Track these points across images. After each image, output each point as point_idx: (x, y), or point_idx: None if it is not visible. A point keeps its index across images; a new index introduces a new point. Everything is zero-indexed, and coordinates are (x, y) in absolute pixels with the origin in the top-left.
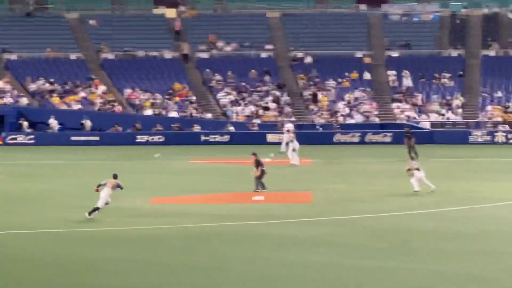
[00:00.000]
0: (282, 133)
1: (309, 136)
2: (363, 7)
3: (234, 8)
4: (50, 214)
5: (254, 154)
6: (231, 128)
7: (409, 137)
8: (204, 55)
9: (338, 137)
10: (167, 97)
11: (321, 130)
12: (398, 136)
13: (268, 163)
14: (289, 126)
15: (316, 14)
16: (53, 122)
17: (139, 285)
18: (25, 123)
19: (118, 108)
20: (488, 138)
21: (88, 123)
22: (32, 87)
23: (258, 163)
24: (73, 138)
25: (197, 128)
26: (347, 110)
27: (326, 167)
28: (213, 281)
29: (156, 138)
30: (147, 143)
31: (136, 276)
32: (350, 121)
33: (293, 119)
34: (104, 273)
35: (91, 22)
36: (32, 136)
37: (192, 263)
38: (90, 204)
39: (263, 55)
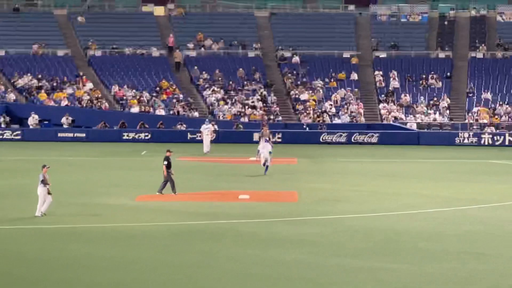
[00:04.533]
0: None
1: (296, 136)
2: (351, 7)
3: (222, 7)
4: (33, 209)
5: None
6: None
7: None
8: (192, 53)
9: (325, 136)
10: (154, 94)
11: (308, 129)
12: (384, 136)
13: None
14: (210, 126)
15: (304, 13)
16: (31, 119)
17: (122, 282)
18: (3, 119)
19: (105, 105)
20: (475, 139)
21: (67, 120)
22: (20, 83)
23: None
24: (60, 134)
25: (182, 127)
26: (334, 110)
27: (312, 166)
28: (196, 278)
29: (142, 135)
30: (133, 140)
31: (119, 273)
32: (337, 121)
33: (279, 118)
34: (87, 269)
35: (79, 19)
36: (18, 132)
37: (175, 260)
38: (77, 200)
39: (251, 54)
